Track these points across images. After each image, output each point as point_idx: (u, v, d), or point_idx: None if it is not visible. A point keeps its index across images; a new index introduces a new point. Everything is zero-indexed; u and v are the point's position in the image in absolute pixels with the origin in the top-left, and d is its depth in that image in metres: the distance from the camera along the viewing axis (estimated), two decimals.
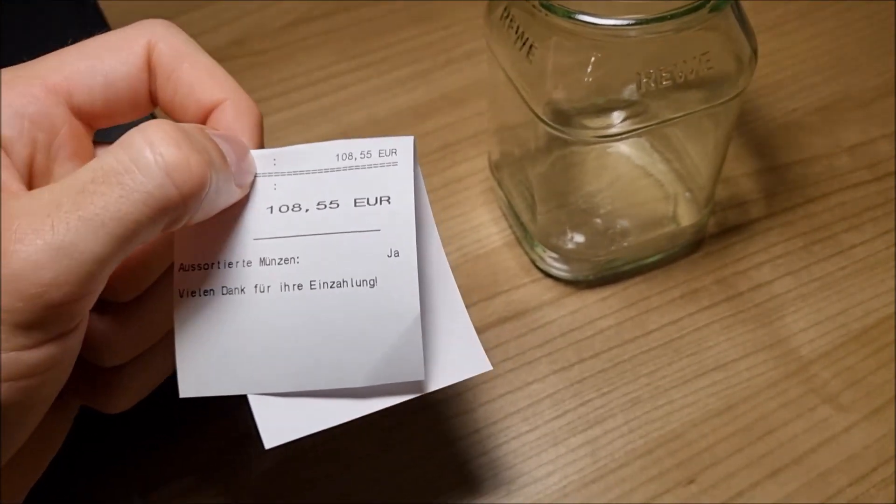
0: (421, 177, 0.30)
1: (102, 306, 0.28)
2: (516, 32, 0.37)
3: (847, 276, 0.45)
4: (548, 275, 0.45)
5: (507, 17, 0.38)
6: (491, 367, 0.31)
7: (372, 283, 0.28)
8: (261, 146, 0.30)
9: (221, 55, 0.48)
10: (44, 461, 0.31)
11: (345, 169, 0.29)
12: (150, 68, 0.30)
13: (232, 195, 0.28)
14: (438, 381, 0.30)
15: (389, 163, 0.29)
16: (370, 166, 0.29)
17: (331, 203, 0.29)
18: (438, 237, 0.31)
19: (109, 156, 0.25)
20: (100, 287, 0.25)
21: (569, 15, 0.34)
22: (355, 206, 0.29)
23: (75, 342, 0.26)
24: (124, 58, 0.29)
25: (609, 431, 0.40)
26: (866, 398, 0.40)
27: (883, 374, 0.41)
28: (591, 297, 0.44)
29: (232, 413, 0.40)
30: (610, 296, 0.44)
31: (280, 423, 0.29)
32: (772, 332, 0.43)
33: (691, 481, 0.38)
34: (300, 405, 0.30)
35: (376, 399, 0.30)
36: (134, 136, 0.25)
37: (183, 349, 0.29)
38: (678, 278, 0.45)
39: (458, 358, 0.31)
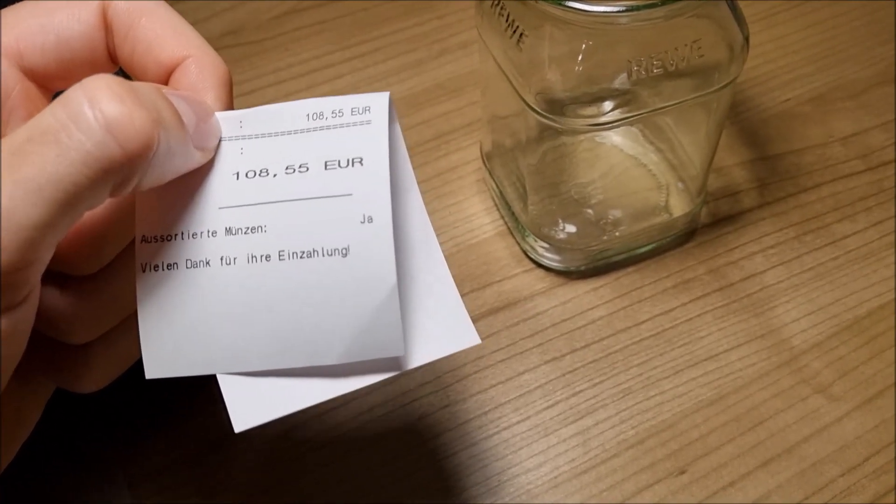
0: (400, 136, 0.29)
1: (64, 280, 0.27)
2: (507, 21, 0.37)
3: (839, 267, 0.44)
4: (539, 265, 0.45)
5: (497, 5, 0.38)
6: (480, 341, 0.29)
7: (344, 251, 0.27)
8: (230, 107, 0.28)
9: (215, 45, 0.47)
10: (14, 445, 0.29)
11: (315, 129, 0.27)
12: (106, 25, 0.28)
13: (191, 159, 0.26)
14: (421, 356, 0.28)
15: (362, 121, 0.27)
16: (342, 126, 0.27)
17: (300, 167, 0.27)
18: (421, 199, 0.29)
19: (47, 113, 0.23)
20: (45, 256, 0.23)
21: (559, 2, 0.34)
22: (326, 169, 0.27)
23: (25, 315, 0.24)
24: (78, 14, 0.27)
25: (600, 422, 0.40)
26: (858, 388, 0.40)
27: (875, 364, 0.41)
28: (582, 288, 0.44)
29: (219, 405, 0.40)
30: (602, 286, 0.44)
31: (251, 405, 0.28)
32: (764, 323, 0.43)
33: (683, 471, 0.38)
34: (272, 385, 0.28)
35: (354, 378, 0.28)
36: (74, 92, 0.23)
37: (147, 327, 0.27)
38: (670, 268, 0.45)
39: (442, 330, 0.29)
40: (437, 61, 0.54)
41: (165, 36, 0.27)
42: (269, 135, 0.28)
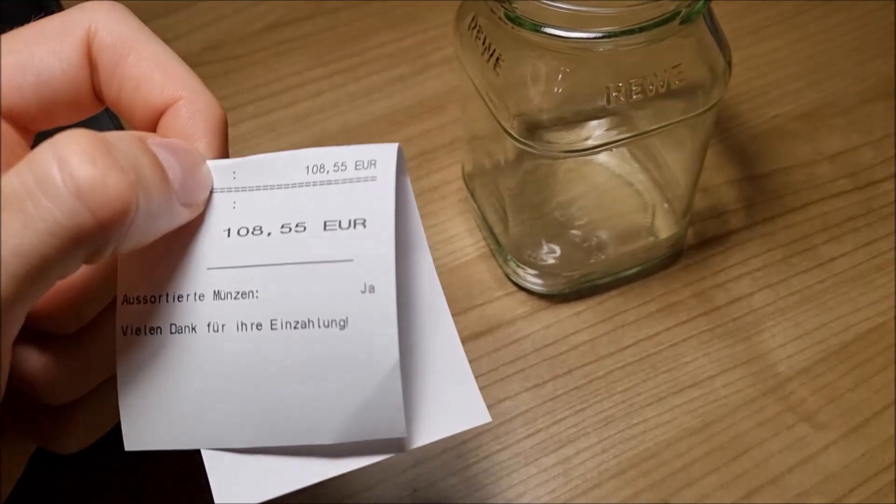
0: (410, 191, 0.26)
1: (42, 339, 0.25)
2: (483, 43, 0.36)
3: (826, 290, 0.44)
4: (522, 288, 0.44)
5: (474, 27, 0.37)
6: (490, 419, 0.27)
7: (342, 323, 0.24)
8: (224, 153, 0.26)
9: (195, 61, 0.46)
10: None
11: (315, 184, 0.25)
12: (91, 61, 0.26)
13: (177, 217, 0.24)
14: (425, 435, 0.26)
15: (367, 177, 0.25)
16: (344, 181, 0.25)
17: (297, 226, 0.25)
18: (431, 261, 0.27)
19: (13, 176, 0.21)
20: (13, 328, 0.22)
21: (536, 28, 0.33)
22: (325, 229, 0.25)
23: None
24: (59, 50, 0.25)
25: (582, 451, 0.39)
26: (844, 416, 0.40)
27: (862, 391, 0.40)
28: (565, 312, 0.43)
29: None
30: (585, 310, 0.43)
31: (238, 485, 0.26)
32: (749, 348, 0.42)
33: (665, 503, 0.38)
34: (262, 464, 0.26)
35: (350, 458, 0.26)
36: (43, 151, 0.21)
37: (127, 396, 0.26)
38: (655, 291, 0.44)
39: (449, 408, 0.26)
40: (419, 77, 0.53)
41: (153, 74, 0.26)
42: (265, 187, 0.26)
